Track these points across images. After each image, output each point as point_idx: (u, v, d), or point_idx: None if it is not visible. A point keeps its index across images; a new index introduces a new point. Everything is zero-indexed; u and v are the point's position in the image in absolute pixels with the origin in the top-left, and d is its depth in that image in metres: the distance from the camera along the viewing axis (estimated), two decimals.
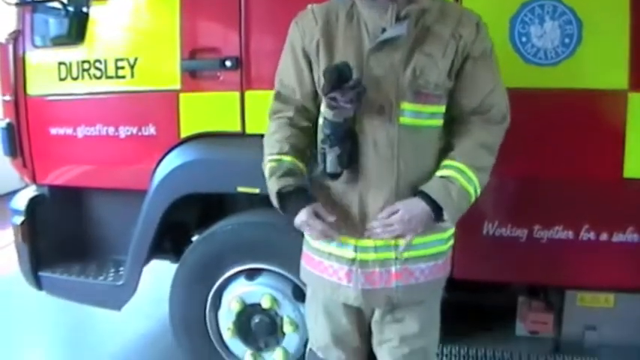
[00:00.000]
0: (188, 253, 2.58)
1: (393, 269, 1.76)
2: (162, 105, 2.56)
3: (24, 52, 2.83)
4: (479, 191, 1.77)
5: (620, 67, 2.17)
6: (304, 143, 1.82)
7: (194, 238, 2.77)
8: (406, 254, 1.76)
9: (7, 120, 2.91)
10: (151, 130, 2.61)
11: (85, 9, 2.70)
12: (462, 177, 1.72)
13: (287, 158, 1.78)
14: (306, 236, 1.88)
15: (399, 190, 1.72)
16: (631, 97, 2.17)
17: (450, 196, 1.71)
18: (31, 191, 2.94)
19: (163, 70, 2.55)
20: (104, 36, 2.67)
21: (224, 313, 2.59)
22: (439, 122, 1.78)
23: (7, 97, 2.90)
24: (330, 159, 1.68)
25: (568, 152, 2.24)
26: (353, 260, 1.77)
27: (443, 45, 1.70)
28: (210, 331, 2.63)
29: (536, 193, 2.29)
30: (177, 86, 2.52)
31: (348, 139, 1.68)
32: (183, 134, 2.55)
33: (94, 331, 3.58)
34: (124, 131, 2.66)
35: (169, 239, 2.81)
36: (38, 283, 2.90)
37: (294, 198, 1.75)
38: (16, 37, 2.84)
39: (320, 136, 1.74)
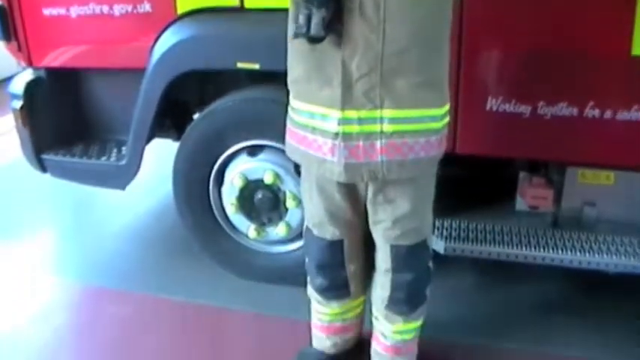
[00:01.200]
0: (189, 130, 2.57)
1: (378, 143, 1.70)
2: None
3: None
4: None
5: None
6: None
7: (195, 116, 2.75)
8: (392, 128, 1.69)
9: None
10: (146, 7, 2.53)
11: None
12: None
13: None
14: (290, 111, 1.84)
15: (385, 57, 1.64)
16: None
17: None
18: (28, 75, 2.89)
19: None
20: None
21: (227, 190, 2.62)
22: None
23: None
24: (316, 21, 1.59)
25: (576, 27, 2.17)
26: (336, 134, 1.71)
27: None
28: (213, 208, 2.67)
29: (541, 68, 2.23)
30: None
31: (332, 2, 1.60)
32: (180, 10, 2.47)
33: (99, 210, 3.65)
34: (118, 9, 2.57)
35: (170, 118, 2.80)
36: (42, 166, 2.91)
37: None
38: None
39: None
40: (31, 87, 2.83)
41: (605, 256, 2.38)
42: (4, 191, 3.89)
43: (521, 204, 2.56)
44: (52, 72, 2.85)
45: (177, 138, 2.74)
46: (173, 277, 2.88)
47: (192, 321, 2.59)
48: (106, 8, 2.60)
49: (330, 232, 1.97)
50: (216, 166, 2.58)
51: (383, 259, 1.97)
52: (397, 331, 2.07)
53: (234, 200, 2.61)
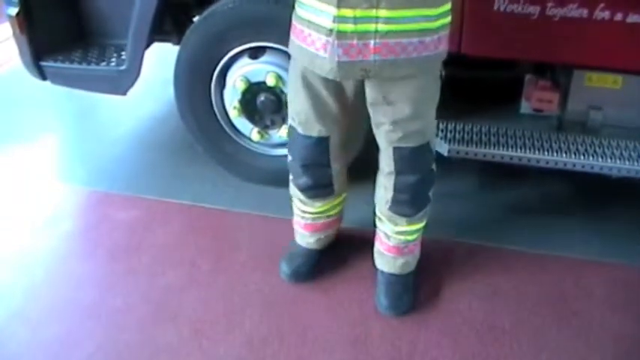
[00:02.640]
0: (189, 33, 2.51)
1: (372, 42, 1.68)
2: None
3: None
4: None
5: None
6: None
7: (195, 19, 2.69)
8: (387, 27, 1.67)
9: None
10: None
11: None
12: None
13: None
14: (296, 5, 1.80)
15: None
16: None
17: None
18: None
19: None
20: None
21: (229, 92, 2.60)
22: None
23: None
24: None
25: None
26: (331, 31, 1.69)
27: None
28: (216, 111, 2.66)
29: None
30: None
31: None
32: None
33: (102, 116, 3.63)
34: None
35: (170, 20, 2.74)
36: (41, 73, 2.85)
37: None
38: None
39: None
40: None
41: (608, 160, 2.38)
42: (4, 100, 3.83)
43: (526, 107, 2.55)
44: None
45: (178, 42, 2.68)
46: (179, 180, 2.91)
47: (197, 222, 2.63)
48: None
49: (317, 130, 1.97)
50: (217, 69, 2.54)
51: (386, 161, 1.97)
52: (400, 232, 2.11)
53: (236, 103, 2.59)
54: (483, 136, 2.49)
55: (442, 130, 2.50)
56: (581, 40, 2.25)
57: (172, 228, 2.61)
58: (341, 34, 1.68)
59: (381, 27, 1.66)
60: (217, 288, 2.28)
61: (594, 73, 2.42)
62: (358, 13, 1.65)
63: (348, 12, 1.66)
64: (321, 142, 2.00)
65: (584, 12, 2.20)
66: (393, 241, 2.14)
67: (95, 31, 2.87)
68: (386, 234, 2.15)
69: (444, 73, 1.94)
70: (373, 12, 1.65)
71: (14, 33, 2.84)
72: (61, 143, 3.46)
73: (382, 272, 2.22)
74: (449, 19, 1.80)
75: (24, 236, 2.59)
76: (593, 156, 2.41)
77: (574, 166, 2.41)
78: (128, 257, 2.44)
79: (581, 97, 2.47)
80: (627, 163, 2.38)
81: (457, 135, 2.47)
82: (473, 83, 2.67)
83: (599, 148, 2.45)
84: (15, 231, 2.62)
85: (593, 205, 2.68)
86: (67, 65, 2.77)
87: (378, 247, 2.23)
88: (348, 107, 1.95)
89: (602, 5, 2.18)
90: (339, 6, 1.65)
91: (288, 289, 2.27)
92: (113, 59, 2.72)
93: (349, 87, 1.88)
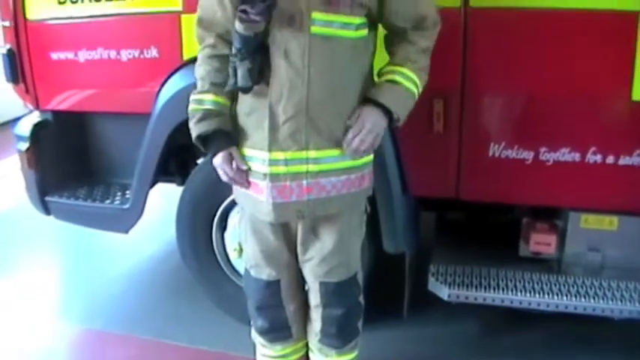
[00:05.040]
0: (194, 175, 2.59)
1: (305, 182, 1.80)
2: (164, 27, 2.50)
3: None
4: (421, 90, 1.91)
5: None
6: (225, 74, 1.84)
7: (199, 161, 2.77)
8: (317, 167, 1.79)
9: (8, 46, 2.87)
10: (153, 52, 2.57)
11: None
12: (406, 80, 1.85)
13: (207, 97, 1.85)
14: None
15: (310, 101, 1.74)
16: None
17: (397, 98, 1.82)
18: (34, 117, 2.93)
19: None
20: None
21: (230, 234, 2.63)
22: (353, 33, 1.77)
23: (7, 23, 2.85)
24: (241, 73, 1.71)
25: (576, 73, 2.19)
26: (265, 175, 1.80)
27: None
28: (216, 252, 2.67)
29: (543, 114, 2.26)
30: (179, 7, 2.46)
31: (259, 54, 1.71)
32: (186, 56, 2.49)
33: (102, 253, 3.64)
34: (126, 54, 2.62)
35: (175, 162, 2.82)
36: (46, 208, 2.92)
37: (214, 140, 1.84)
38: None
39: (232, 50, 1.75)
40: (37, 129, 2.87)
41: (610, 302, 2.37)
42: (6, 233, 3.89)
43: (524, 250, 2.55)
44: (58, 115, 2.88)
45: (181, 182, 2.76)
46: (176, 322, 2.88)
47: None
48: (113, 53, 2.64)
49: (267, 273, 2.02)
50: (219, 211, 2.59)
51: (313, 294, 2.04)
52: None
53: (237, 245, 2.58)
54: (483, 280, 2.49)
55: (442, 274, 2.50)
56: (575, 184, 2.30)
57: None
58: (274, 177, 1.79)
59: (312, 167, 1.79)
60: None
61: (590, 214, 2.45)
62: (289, 155, 1.78)
63: (279, 155, 1.78)
64: (272, 285, 2.05)
65: (577, 156, 2.27)
66: None
67: (101, 170, 2.96)
68: None
69: (369, 209, 2.04)
70: (303, 154, 1.78)
71: (22, 167, 2.93)
72: (59, 279, 3.49)
73: None
74: (370, 157, 1.93)
75: None
76: (594, 298, 2.39)
77: (575, 308, 2.39)
78: None
79: (578, 239, 2.48)
80: (629, 304, 2.37)
81: (457, 279, 2.47)
82: (471, 226, 2.71)
83: (600, 289, 2.44)
84: None
85: (596, 345, 2.63)
86: (71, 201, 2.84)
87: None
88: (296, 249, 2.01)
89: (593, 149, 2.26)
90: (270, 149, 1.77)
91: None
92: (117, 197, 2.79)
93: (294, 228, 1.96)
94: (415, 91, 1.87)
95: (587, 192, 2.33)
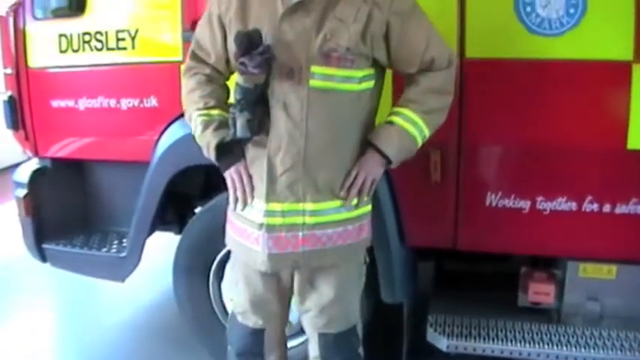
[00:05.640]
0: (191, 224, 2.59)
1: (300, 234, 1.80)
2: (164, 76, 2.54)
3: (24, 25, 2.81)
4: (427, 132, 1.87)
5: (625, 38, 2.14)
6: (226, 97, 1.91)
7: (197, 210, 2.77)
8: (314, 220, 1.79)
9: (9, 93, 2.90)
10: (152, 101, 2.61)
11: None
12: (406, 121, 1.83)
13: (215, 112, 1.86)
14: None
15: (308, 154, 1.75)
16: (636, 69, 2.14)
17: (389, 139, 1.82)
18: (33, 164, 2.95)
19: (164, 41, 2.55)
20: (105, 7, 2.64)
21: (227, 284, 2.59)
22: (356, 87, 1.79)
23: (9, 70, 2.89)
24: (240, 124, 1.73)
25: (572, 123, 2.22)
26: (261, 225, 1.80)
27: (354, 9, 1.74)
28: (213, 302, 2.65)
29: (539, 163, 2.28)
30: (179, 57, 2.49)
31: (258, 106, 1.73)
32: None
33: (98, 301, 3.61)
34: (125, 103, 2.65)
35: (172, 211, 2.82)
36: (42, 256, 2.91)
37: (228, 151, 1.84)
38: (17, 9, 2.82)
39: (233, 101, 1.78)
40: (35, 176, 2.89)
41: (610, 352, 2.35)
42: (2, 280, 3.87)
43: (523, 299, 2.53)
44: (57, 162, 2.90)
45: (179, 231, 2.76)
46: None
47: None
48: (113, 102, 2.68)
49: (253, 321, 2.01)
50: (216, 261, 2.58)
51: (312, 346, 2.02)
52: None
53: (233, 295, 2.58)
54: (482, 331, 2.46)
55: (440, 325, 2.48)
56: (573, 233, 2.31)
57: None
58: (270, 228, 1.79)
59: (308, 219, 1.79)
60: None
61: (588, 263, 2.44)
62: (286, 206, 1.78)
63: (276, 206, 1.79)
64: (256, 333, 2.03)
65: (573, 205, 2.28)
66: None
67: (99, 217, 2.96)
68: None
69: (368, 260, 2.02)
70: (300, 205, 1.78)
71: (19, 214, 2.93)
72: (54, 326, 3.46)
73: None
74: (368, 207, 1.92)
75: None
76: (594, 348, 2.37)
77: (575, 359, 2.36)
78: None
79: (577, 289, 2.47)
80: (629, 354, 2.35)
81: (455, 329, 2.45)
82: (469, 276, 2.70)
83: (600, 339, 2.42)
84: None
85: None
86: (68, 249, 2.83)
87: None
88: (285, 301, 2.00)
89: (589, 198, 2.27)
90: (267, 200, 1.78)
91: None
92: (114, 246, 2.78)
93: (286, 278, 1.95)
94: (415, 132, 1.84)
95: (585, 241, 2.33)
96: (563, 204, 2.28)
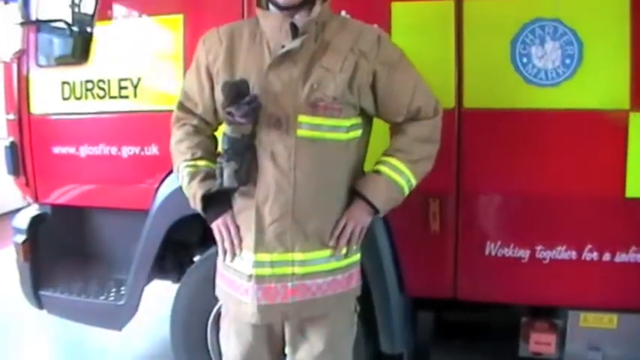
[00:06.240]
0: (189, 273, 2.57)
1: (290, 284, 1.78)
2: (166, 125, 2.54)
3: (28, 71, 2.86)
4: (414, 181, 1.88)
5: (621, 87, 2.18)
6: (213, 148, 1.91)
7: (196, 258, 2.76)
8: (303, 270, 1.78)
9: (11, 139, 2.93)
10: (153, 149, 2.63)
11: (89, 29, 2.73)
12: (393, 171, 1.84)
13: (202, 162, 1.87)
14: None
15: (296, 204, 1.75)
16: (632, 117, 2.17)
17: (377, 188, 1.82)
18: (33, 210, 2.95)
19: (166, 90, 2.57)
20: (108, 56, 2.69)
21: None
22: (344, 136, 1.80)
23: (11, 116, 2.92)
24: (227, 173, 1.73)
25: (570, 171, 2.24)
26: (250, 276, 1.79)
27: (341, 59, 1.76)
28: (211, 352, 2.61)
29: (538, 212, 2.29)
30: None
31: (246, 155, 1.74)
32: None
33: (94, 350, 3.55)
34: (126, 151, 2.67)
35: (171, 259, 2.80)
36: (39, 302, 2.89)
37: (216, 200, 1.84)
38: (21, 56, 2.86)
39: (220, 151, 1.79)
40: (35, 222, 2.89)
41: None
42: None
43: (524, 349, 2.50)
44: (56, 208, 2.90)
45: (177, 280, 2.74)
46: None
47: None
48: (114, 149, 2.70)
49: None
50: (214, 311, 2.54)
51: None
52: None
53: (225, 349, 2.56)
54: None
55: None
56: (573, 282, 2.30)
57: None
58: (260, 279, 1.78)
59: (298, 270, 1.78)
60: None
61: (589, 313, 2.42)
62: (275, 257, 1.77)
63: (265, 256, 1.78)
64: None
65: (573, 254, 2.27)
66: None
67: (97, 264, 2.94)
68: None
69: (358, 308, 2.00)
70: (289, 256, 1.77)
71: (18, 260, 2.93)
72: None
73: None
74: (357, 256, 1.91)
75: None
76: None
77: None
78: None
79: (578, 338, 2.43)
80: None
81: None
82: (469, 326, 2.67)
83: None
84: None
85: None
86: (65, 296, 2.82)
87: None
88: (277, 352, 1.97)
89: (589, 246, 2.26)
90: (256, 251, 1.77)
91: None
92: (112, 293, 2.76)
93: (277, 329, 1.92)
94: (402, 182, 1.85)
95: (585, 290, 2.32)
96: (562, 253, 2.28)
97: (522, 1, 2.26)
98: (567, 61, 2.21)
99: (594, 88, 2.21)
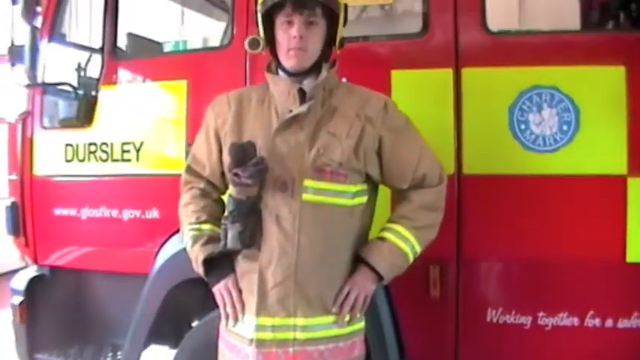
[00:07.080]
0: (187, 338, 2.52)
1: (291, 350, 1.76)
2: (167, 189, 2.57)
3: (32, 133, 2.89)
4: (418, 248, 1.88)
5: (618, 152, 2.21)
6: (219, 212, 1.90)
7: (194, 324, 2.72)
8: (304, 335, 1.76)
9: (12, 199, 2.94)
10: (154, 213, 2.64)
11: (94, 92, 2.78)
12: (398, 238, 1.84)
13: (206, 226, 1.87)
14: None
15: (299, 267, 1.75)
16: (630, 182, 2.19)
17: (381, 255, 1.81)
18: (31, 271, 2.93)
19: (169, 154, 2.61)
20: (112, 119, 2.74)
21: None
22: (349, 201, 1.81)
23: (13, 176, 2.94)
24: (232, 235, 1.74)
25: (570, 237, 2.24)
26: (251, 340, 1.77)
27: (347, 124, 1.79)
28: None
29: (539, 278, 2.28)
30: (182, 170, 2.54)
31: (250, 218, 1.74)
32: None
33: None
34: (127, 214, 2.68)
35: (169, 324, 2.76)
36: None
37: (219, 264, 1.84)
38: (26, 117, 2.91)
39: (225, 212, 1.80)
40: (33, 284, 2.87)
41: None
42: None
43: None
44: (55, 270, 2.89)
45: (175, 345, 2.69)
46: None
47: None
48: (115, 212, 2.71)
49: None
50: None
51: None
52: None
53: None
54: None
55: None
56: (576, 349, 2.27)
57: None
58: (260, 343, 1.76)
59: (299, 335, 1.75)
60: None
61: None
62: (277, 321, 1.75)
63: (266, 320, 1.76)
64: None
65: (575, 320, 2.26)
66: None
67: (94, 328, 2.89)
68: None
69: None
70: (291, 320, 1.75)
71: (14, 321, 2.89)
72: None
73: None
74: (361, 324, 1.88)
75: None
76: None
77: None
78: None
79: None
80: None
81: None
82: None
83: None
84: None
85: None
86: None
87: None
88: None
89: (591, 312, 2.24)
90: (258, 314, 1.75)
91: None
92: (109, 358, 2.73)
93: None
94: (406, 249, 1.85)
95: (588, 356, 2.28)
96: (565, 319, 2.27)
97: (519, 69, 2.30)
98: (564, 128, 2.24)
99: (592, 154, 2.24)
